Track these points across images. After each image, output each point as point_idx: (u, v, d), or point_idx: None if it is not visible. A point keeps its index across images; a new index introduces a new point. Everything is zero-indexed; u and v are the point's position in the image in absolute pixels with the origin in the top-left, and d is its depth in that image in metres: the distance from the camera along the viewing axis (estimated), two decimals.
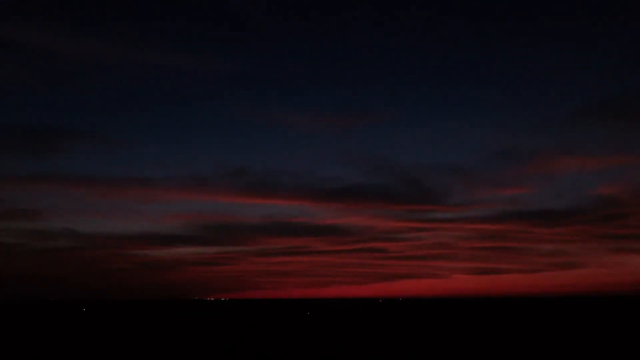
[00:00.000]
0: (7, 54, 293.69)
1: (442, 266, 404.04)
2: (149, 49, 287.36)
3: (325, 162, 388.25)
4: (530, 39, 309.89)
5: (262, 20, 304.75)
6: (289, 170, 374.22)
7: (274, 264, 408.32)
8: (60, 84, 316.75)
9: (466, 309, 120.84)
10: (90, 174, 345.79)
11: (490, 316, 76.11)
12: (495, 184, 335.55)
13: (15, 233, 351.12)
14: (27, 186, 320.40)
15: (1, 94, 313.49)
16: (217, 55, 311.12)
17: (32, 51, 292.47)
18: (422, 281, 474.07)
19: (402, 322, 61.63)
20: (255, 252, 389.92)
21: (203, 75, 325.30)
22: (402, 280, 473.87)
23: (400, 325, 54.92)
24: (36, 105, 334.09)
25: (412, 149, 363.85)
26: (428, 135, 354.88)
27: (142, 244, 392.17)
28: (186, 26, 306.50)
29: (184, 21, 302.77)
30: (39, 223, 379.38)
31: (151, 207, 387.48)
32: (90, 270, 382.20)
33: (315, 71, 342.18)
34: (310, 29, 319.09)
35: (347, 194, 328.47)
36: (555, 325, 52.35)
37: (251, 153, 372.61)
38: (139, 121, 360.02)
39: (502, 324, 54.42)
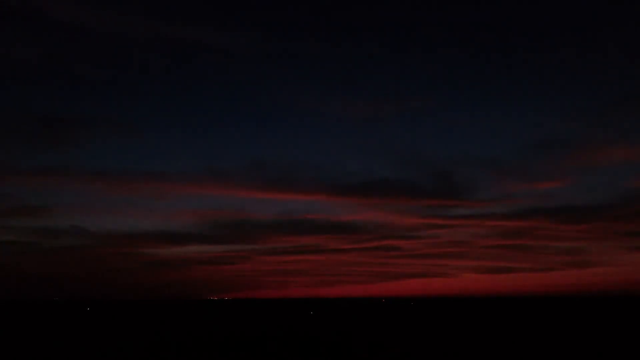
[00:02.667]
0: (11, 33, 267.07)
1: (453, 265, 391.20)
2: (164, 27, 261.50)
3: (351, 154, 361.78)
4: (570, 25, 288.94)
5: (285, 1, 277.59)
6: (311, 162, 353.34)
7: (283, 263, 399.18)
8: (70, 69, 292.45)
9: (471, 308, 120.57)
10: (101, 167, 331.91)
11: (492, 315, 75.93)
12: (528, 178, 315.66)
13: (24, 231, 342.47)
14: (36, 180, 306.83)
15: (6, 80, 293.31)
16: (237, 36, 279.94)
17: (38, 29, 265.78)
18: (430, 280, 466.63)
19: (398, 321, 61.63)
20: (264, 251, 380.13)
21: (222, 59, 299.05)
22: (411, 280, 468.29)
23: (393, 324, 54.94)
24: (43, 92, 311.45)
25: (444, 140, 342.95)
26: (461, 125, 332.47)
27: (151, 242, 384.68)
28: (203, 5, 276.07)
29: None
30: (48, 220, 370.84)
31: (163, 204, 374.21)
32: (97, 270, 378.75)
33: (345, 54, 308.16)
34: (340, 10, 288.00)
35: (369, 188, 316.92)
36: (555, 324, 52.22)
37: (273, 144, 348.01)
38: (153, 110, 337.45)
39: (501, 323, 54.33)
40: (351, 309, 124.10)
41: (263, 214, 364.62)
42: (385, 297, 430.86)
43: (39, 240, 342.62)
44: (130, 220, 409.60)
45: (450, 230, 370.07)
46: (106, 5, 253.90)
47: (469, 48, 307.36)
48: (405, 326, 51.54)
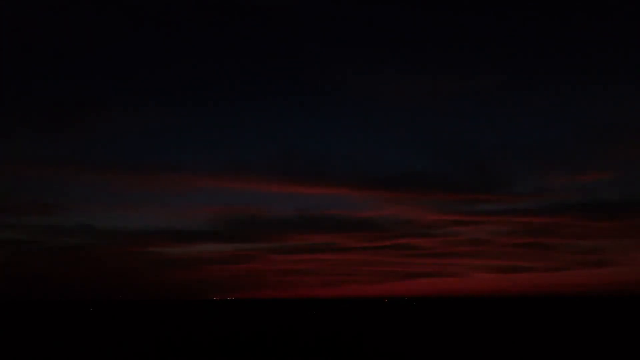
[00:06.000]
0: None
1: (465, 264, 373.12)
2: (181, 9, 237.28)
3: (386, 143, 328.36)
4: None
5: None
6: (344, 152, 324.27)
7: (293, 262, 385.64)
8: (76, 50, 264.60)
9: (475, 308, 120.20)
10: (112, 158, 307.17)
11: (492, 315, 75.67)
12: (575, 169, 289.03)
13: (30, 229, 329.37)
14: (44, 173, 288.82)
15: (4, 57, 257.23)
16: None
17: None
18: (439, 280, 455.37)
19: (394, 322, 61.63)
20: (276, 250, 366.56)
21: (244, 32, 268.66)
22: (420, 280, 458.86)
23: (389, 325, 54.95)
24: (44, 73, 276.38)
25: (488, 127, 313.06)
26: (508, 111, 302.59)
27: (160, 241, 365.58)
28: None
29: None
30: (54, 218, 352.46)
31: (178, 199, 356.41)
32: (103, 270, 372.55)
33: (384, 26, 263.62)
34: None
35: (400, 181, 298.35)
36: (554, 324, 52.02)
37: (302, 133, 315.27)
38: (170, 95, 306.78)
39: (498, 323, 54.17)
40: (353, 309, 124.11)
41: (282, 210, 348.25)
42: (390, 298, 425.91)
43: (45, 239, 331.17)
44: (141, 218, 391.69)
45: (473, 228, 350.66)
46: None
47: (517, 30, 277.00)
48: (400, 326, 51.53)
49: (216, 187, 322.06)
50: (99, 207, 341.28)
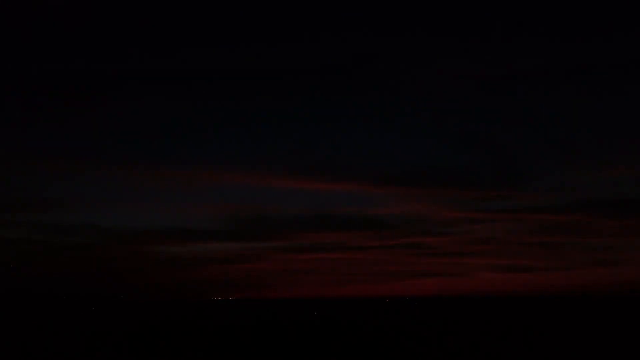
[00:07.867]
0: None
1: (473, 264, 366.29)
2: None
3: (404, 137, 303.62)
4: None
5: None
6: (356, 147, 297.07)
7: (299, 261, 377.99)
8: (81, 41, 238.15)
9: (475, 308, 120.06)
10: (118, 153, 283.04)
11: (489, 315, 75.52)
12: (598, 165, 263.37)
13: (33, 228, 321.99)
14: (45, 168, 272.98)
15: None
16: None
17: None
18: (444, 280, 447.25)
19: (395, 322, 61.62)
20: (285, 249, 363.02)
21: (249, 28, 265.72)
22: (425, 279, 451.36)
23: (386, 324, 54.94)
24: (48, 64, 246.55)
25: (515, 120, 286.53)
26: (530, 104, 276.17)
27: (166, 240, 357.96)
28: None
29: None
30: (58, 215, 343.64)
31: (186, 196, 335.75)
32: (106, 269, 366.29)
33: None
34: None
35: (415, 177, 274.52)
36: (568, 324, 51.86)
37: (314, 126, 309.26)
38: (179, 89, 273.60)
39: (511, 323, 54.04)
40: (354, 309, 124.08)
41: (292, 208, 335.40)
42: (394, 297, 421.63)
43: (48, 238, 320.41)
44: (148, 215, 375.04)
45: (487, 226, 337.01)
46: None
47: (539, 22, 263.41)
48: (396, 326, 51.50)
49: (225, 183, 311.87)
50: (104, 204, 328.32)
